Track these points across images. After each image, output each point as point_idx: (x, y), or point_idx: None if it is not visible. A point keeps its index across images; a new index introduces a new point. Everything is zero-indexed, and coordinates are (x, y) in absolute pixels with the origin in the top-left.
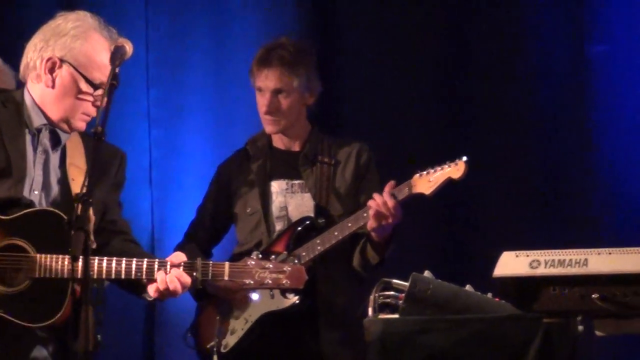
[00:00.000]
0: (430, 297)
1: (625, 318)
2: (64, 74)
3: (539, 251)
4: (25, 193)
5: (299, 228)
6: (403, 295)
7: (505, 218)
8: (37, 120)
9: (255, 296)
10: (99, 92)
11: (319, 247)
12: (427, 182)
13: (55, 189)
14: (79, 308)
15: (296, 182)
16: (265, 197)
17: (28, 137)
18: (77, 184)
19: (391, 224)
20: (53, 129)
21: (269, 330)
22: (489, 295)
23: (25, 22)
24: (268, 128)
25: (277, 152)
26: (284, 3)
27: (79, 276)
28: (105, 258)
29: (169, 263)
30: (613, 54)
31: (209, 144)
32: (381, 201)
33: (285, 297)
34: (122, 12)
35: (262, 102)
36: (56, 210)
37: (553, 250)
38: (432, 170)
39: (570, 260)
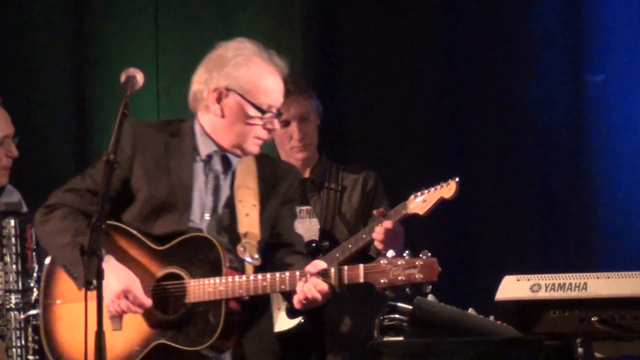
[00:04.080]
0: (434, 320)
1: (624, 340)
2: (231, 102)
3: (539, 275)
4: (197, 219)
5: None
6: (407, 317)
7: (506, 243)
8: (207, 148)
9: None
10: (268, 115)
11: None
12: (421, 202)
13: (224, 212)
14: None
15: (304, 208)
16: None
17: (199, 165)
18: (244, 205)
19: (400, 241)
20: (224, 154)
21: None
22: (491, 318)
23: (30, 25)
24: (300, 155)
25: None
26: (290, 27)
27: (230, 296)
28: (252, 275)
29: (307, 273)
30: (609, 83)
31: None
32: (382, 230)
33: (291, 317)
34: (133, 31)
35: (290, 133)
36: (204, 235)
37: (553, 275)
38: (426, 191)
39: (570, 284)
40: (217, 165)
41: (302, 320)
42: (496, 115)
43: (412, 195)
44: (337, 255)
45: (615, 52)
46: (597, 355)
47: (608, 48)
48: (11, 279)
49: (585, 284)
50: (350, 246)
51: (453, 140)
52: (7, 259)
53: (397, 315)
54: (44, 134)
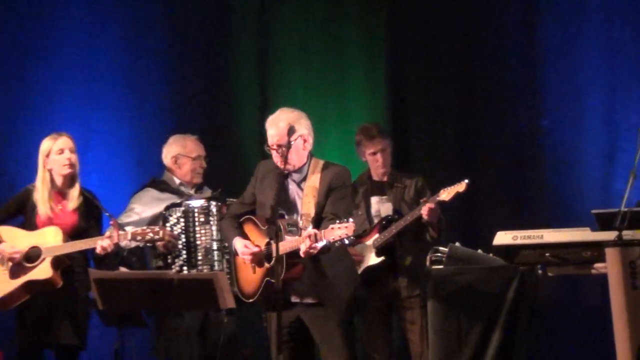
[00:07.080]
0: (460, 256)
1: (564, 266)
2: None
3: (517, 231)
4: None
5: (384, 221)
6: (445, 255)
7: (500, 215)
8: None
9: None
10: (267, 148)
11: (393, 230)
12: (447, 194)
13: (298, 202)
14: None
15: (384, 197)
16: (368, 206)
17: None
18: (308, 197)
19: (437, 214)
20: (285, 172)
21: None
22: (490, 255)
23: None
24: (382, 171)
25: (374, 182)
26: (379, 97)
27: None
28: (293, 238)
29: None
30: (557, 125)
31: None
32: (427, 209)
33: (377, 257)
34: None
35: (377, 159)
36: (277, 221)
37: (524, 230)
38: (449, 188)
39: (534, 235)
40: (290, 177)
41: (383, 258)
42: (489, 143)
43: (442, 190)
44: (402, 222)
45: (555, 105)
46: (549, 274)
47: (551, 103)
48: (214, 235)
49: (542, 235)
50: (408, 217)
51: (467, 156)
52: (213, 223)
53: (439, 254)
54: (239, 153)
